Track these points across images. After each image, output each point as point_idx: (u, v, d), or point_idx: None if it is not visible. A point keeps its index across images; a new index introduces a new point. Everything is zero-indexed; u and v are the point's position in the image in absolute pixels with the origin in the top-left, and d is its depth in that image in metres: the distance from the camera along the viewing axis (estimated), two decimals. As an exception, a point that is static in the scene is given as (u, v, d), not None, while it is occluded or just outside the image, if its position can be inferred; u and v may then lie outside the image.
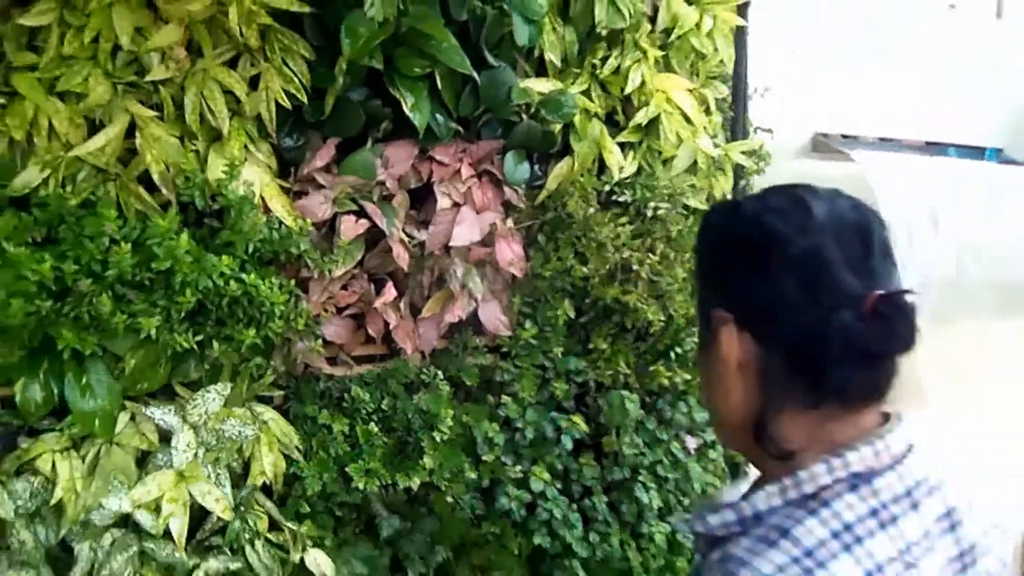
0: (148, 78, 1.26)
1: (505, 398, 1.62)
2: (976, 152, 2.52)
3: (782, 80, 1.94)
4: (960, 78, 2.55)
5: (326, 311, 1.47)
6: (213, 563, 1.35)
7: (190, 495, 1.32)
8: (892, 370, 0.80)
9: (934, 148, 2.44)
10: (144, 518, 1.29)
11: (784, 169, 1.93)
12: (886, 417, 0.81)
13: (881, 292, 0.75)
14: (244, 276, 1.29)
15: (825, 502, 0.76)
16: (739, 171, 1.79)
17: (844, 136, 2.28)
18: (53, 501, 1.27)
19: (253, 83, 1.35)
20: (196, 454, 1.32)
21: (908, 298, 0.75)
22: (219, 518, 1.36)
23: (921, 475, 0.80)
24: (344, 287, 1.49)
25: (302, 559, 1.37)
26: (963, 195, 2.34)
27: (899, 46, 2.37)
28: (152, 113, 1.26)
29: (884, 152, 2.20)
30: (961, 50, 2.58)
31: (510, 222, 1.61)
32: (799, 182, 0.81)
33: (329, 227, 1.46)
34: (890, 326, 0.77)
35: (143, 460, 1.35)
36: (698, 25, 1.69)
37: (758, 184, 1.83)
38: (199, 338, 1.31)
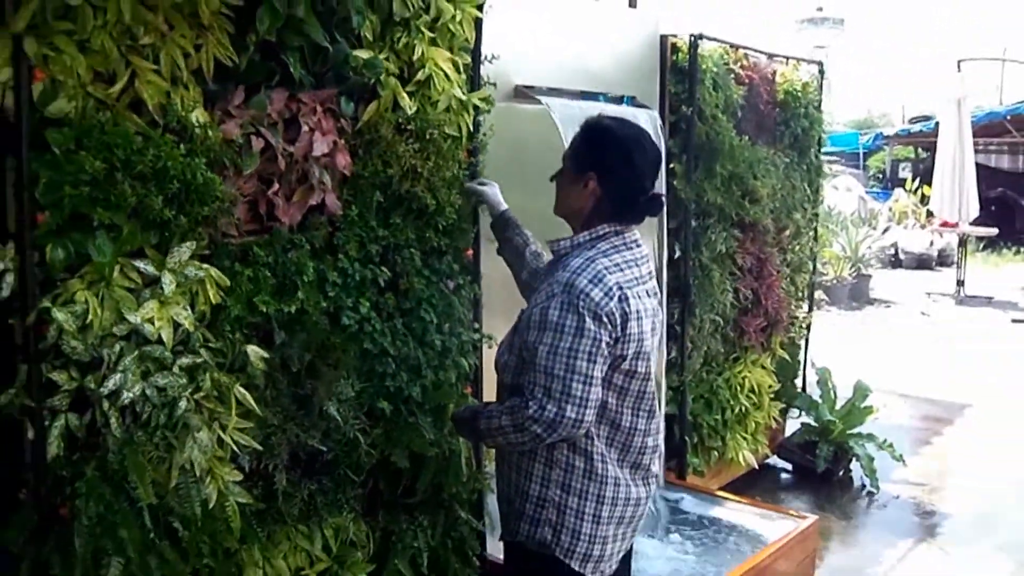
0: (140, 43, 1.97)
1: (340, 255, 2.51)
2: (618, 99, 3.74)
3: (504, 50, 2.95)
4: (611, 46, 3.76)
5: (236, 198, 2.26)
6: (184, 360, 2.11)
7: (171, 315, 2.08)
8: (643, 218, 2.16)
9: (589, 95, 3.61)
10: (147, 329, 2.03)
11: (501, 108, 2.97)
12: None
13: (655, 192, 2.15)
14: (206, 173, 2.06)
15: (605, 238, 2.10)
16: (476, 110, 2.80)
17: (549, 88, 3.36)
18: (87, 321, 1.96)
19: (197, 48, 2.09)
20: (173, 289, 2.08)
21: (661, 197, 2.15)
22: (185, 330, 2.12)
23: (639, 236, 2.16)
24: (245, 182, 2.28)
25: (244, 350, 2.20)
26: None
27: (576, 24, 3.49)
28: (152, 66, 1.98)
29: (560, 98, 3.30)
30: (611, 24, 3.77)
31: (343, 141, 2.48)
32: (637, 124, 2.22)
33: (233, 142, 2.24)
34: (654, 205, 2.16)
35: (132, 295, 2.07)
36: (453, 16, 2.66)
37: (487, 119, 2.86)
38: (173, 212, 2.05)
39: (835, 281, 11.20)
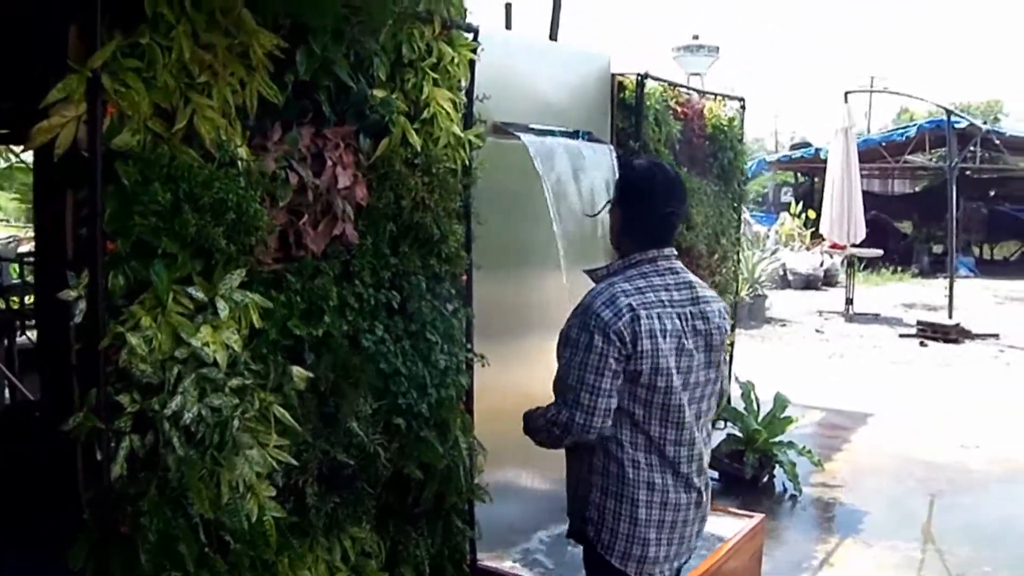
0: (197, 81, 2.11)
1: (356, 281, 2.68)
2: (573, 134, 4.03)
3: (482, 89, 3.18)
4: (569, 84, 4.04)
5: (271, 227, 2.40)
6: (234, 381, 2.24)
7: (223, 339, 2.20)
8: (669, 241, 2.35)
9: (545, 132, 3.87)
10: (203, 353, 2.15)
11: (487, 143, 3.20)
12: None
13: (671, 210, 2.34)
14: (257, 205, 2.21)
15: (637, 264, 2.32)
16: (471, 145, 3.02)
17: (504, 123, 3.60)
18: (153, 344, 2.07)
19: (242, 85, 2.25)
20: (227, 314, 2.21)
21: (674, 218, 2.36)
22: (232, 353, 2.25)
23: (679, 266, 2.29)
24: (279, 212, 2.43)
25: (285, 371, 2.33)
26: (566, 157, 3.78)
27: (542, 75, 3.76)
28: (209, 102, 2.12)
29: (529, 133, 3.55)
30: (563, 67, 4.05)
31: (360, 174, 2.65)
32: (657, 159, 2.56)
33: (272, 175, 2.39)
34: (665, 225, 2.36)
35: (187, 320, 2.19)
36: (452, 59, 2.88)
37: (480, 153, 3.08)
38: (224, 241, 2.19)
39: (734, 301, 11.78)
